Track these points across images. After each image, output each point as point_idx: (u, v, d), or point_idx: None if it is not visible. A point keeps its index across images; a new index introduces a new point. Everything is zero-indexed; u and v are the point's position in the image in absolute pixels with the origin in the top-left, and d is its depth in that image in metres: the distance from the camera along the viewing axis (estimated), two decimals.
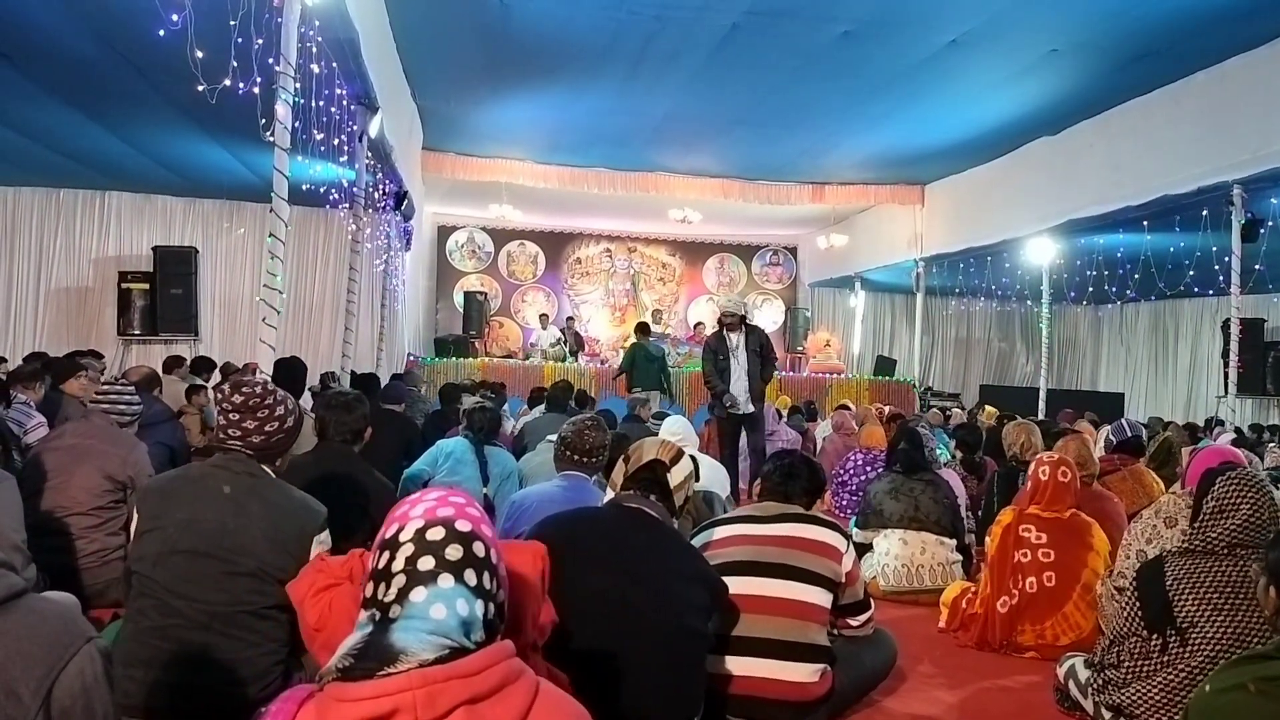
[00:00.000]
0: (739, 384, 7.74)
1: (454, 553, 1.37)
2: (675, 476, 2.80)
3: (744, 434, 7.85)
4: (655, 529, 2.69)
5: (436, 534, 1.38)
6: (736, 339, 7.82)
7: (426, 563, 1.35)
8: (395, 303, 12.40)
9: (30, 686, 1.27)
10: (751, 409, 7.77)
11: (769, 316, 18.44)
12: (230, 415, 2.68)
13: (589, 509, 2.88)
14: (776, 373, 15.81)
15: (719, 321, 8.06)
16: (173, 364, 8.94)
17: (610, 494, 2.90)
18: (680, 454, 2.87)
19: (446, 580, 1.34)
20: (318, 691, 1.30)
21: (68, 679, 1.31)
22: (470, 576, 1.36)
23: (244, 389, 2.73)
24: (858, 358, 16.93)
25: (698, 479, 4.90)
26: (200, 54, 4.66)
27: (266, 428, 2.70)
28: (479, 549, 1.40)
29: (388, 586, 1.35)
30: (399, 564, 1.36)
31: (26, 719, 1.26)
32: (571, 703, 1.43)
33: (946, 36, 7.95)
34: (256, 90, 4.94)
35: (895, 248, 14.88)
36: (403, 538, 1.38)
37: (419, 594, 1.33)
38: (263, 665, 2.54)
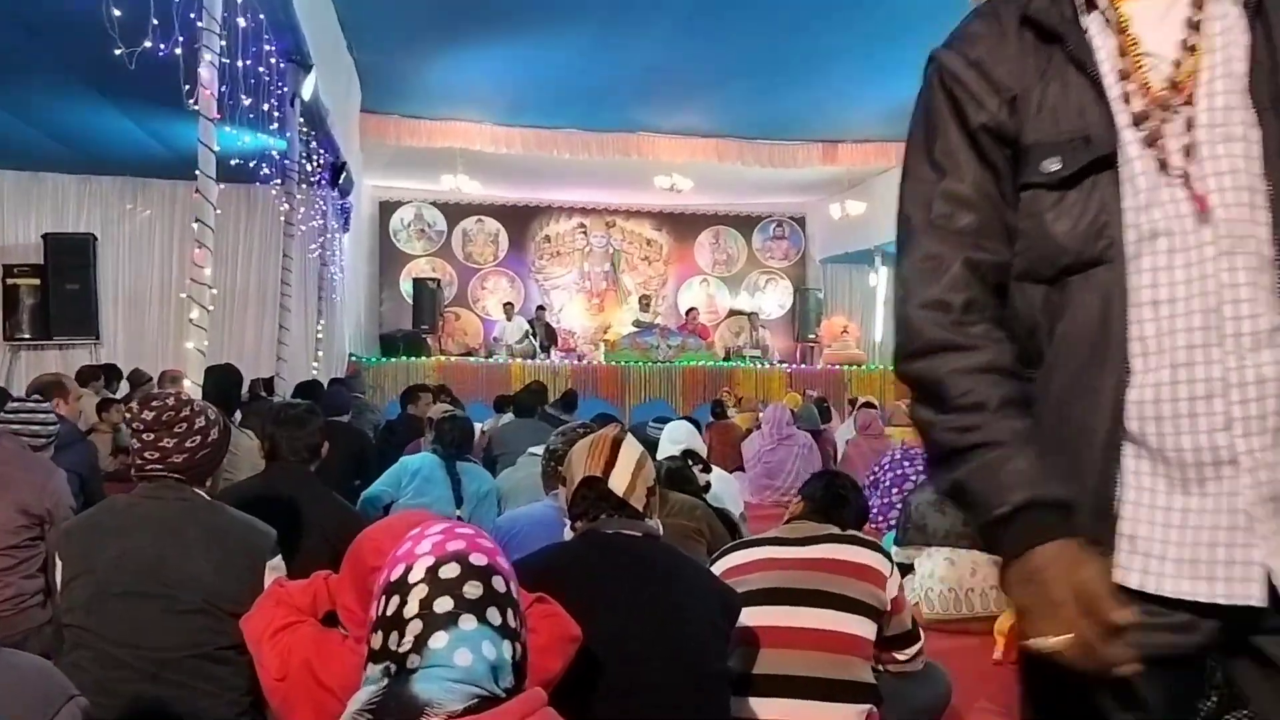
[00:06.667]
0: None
1: (473, 590, 1.39)
2: (618, 482, 2.55)
3: None
4: (643, 553, 2.54)
5: (451, 570, 1.40)
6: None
7: (444, 604, 1.37)
8: (334, 294, 12.37)
9: None
10: None
11: (774, 299, 18.49)
12: (144, 436, 2.71)
13: (561, 550, 2.63)
14: (783, 366, 15.86)
15: None
16: (88, 375, 8.92)
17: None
18: (617, 445, 2.60)
19: (468, 621, 1.37)
20: None
21: None
22: (494, 615, 1.39)
23: (154, 403, 2.76)
24: (880, 345, 16.93)
25: (707, 488, 5.01)
26: (118, 12, 4.68)
27: (188, 443, 2.73)
28: (499, 584, 1.42)
29: (401, 635, 1.37)
30: (412, 608, 1.38)
31: None
32: None
33: None
34: (178, 51, 4.97)
35: None
36: (412, 578, 1.40)
37: (439, 639, 1.36)
38: (224, 717, 2.59)
